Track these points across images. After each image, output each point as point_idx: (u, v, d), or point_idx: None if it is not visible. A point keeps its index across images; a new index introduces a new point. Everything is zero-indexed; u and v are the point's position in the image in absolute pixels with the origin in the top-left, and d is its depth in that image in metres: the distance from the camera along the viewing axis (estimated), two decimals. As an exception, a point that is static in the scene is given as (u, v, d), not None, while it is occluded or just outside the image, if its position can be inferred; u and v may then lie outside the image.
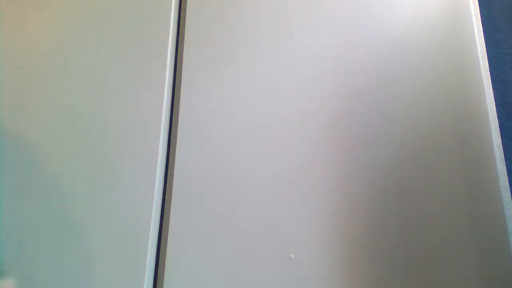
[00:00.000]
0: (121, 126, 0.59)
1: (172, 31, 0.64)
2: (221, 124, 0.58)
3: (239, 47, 0.62)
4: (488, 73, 0.57)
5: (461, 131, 0.55)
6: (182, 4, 0.66)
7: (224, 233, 0.53)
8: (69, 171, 0.57)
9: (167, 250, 0.53)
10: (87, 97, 0.61)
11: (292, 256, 0.52)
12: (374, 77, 0.58)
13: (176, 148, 0.58)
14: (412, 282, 0.50)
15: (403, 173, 0.54)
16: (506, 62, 0.64)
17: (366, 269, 0.51)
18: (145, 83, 0.61)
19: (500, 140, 0.54)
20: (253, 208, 0.54)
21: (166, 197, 0.56)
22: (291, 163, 0.55)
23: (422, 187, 0.53)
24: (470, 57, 0.57)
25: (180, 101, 0.60)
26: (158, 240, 0.54)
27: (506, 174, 0.53)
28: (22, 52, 0.65)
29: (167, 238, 0.53)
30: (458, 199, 0.52)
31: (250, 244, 0.52)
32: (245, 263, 0.52)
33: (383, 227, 0.52)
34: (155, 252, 0.54)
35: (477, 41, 0.58)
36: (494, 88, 0.56)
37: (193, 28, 0.64)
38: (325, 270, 0.51)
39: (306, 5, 0.63)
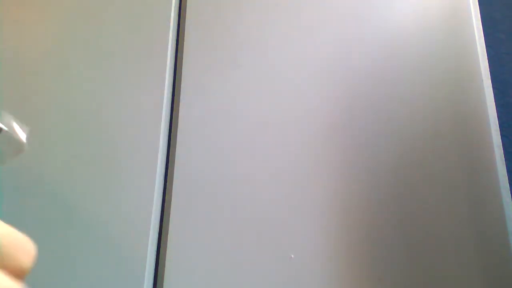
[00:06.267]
0: (121, 126, 0.59)
1: (172, 31, 0.64)
2: (221, 124, 0.58)
3: (239, 47, 0.62)
4: (488, 73, 0.57)
5: (461, 131, 0.55)
6: (182, 4, 0.66)
7: (224, 233, 0.53)
8: (69, 171, 0.57)
9: (167, 250, 0.53)
10: (87, 97, 0.61)
11: (292, 256, 0.52)
12: (374, 77, 0.58)
13: (176, 148, 0.58)
14: (412, 282, 0.50)
15: (403, 173, 0.54)
16: (506, 62, 0.64)
17: (366, 269, 0.51)
18: (145, 83, 0.61)
19: (500, 140, 0.54)
20: (253, 208, 0.54)
21: (166, 197, 0.56)
22: (291, 163, 0.55)
23: (422, 187, 0.53)
24: (470, 57, 0.57)
25: (180, 101, 0.60)
26: (158, 240, 0.54)
27: (506, 174, 0.53)
28: (22, 52, 0.65)
29: (167, 238, 0.53)
30: (458, 199, 0.52)
31: (250, 244, 0.52)
32: (245, 263, 0.52)
33: (383, 227, 0.52)
34: (155, 252, 0.54)
35: (477, 41, 0.58)
36: (494, 88, 0.56)
37: (193, 28, 0.64)
38: (325, 270, 0.51)
39: (306, 5, 0.63)
